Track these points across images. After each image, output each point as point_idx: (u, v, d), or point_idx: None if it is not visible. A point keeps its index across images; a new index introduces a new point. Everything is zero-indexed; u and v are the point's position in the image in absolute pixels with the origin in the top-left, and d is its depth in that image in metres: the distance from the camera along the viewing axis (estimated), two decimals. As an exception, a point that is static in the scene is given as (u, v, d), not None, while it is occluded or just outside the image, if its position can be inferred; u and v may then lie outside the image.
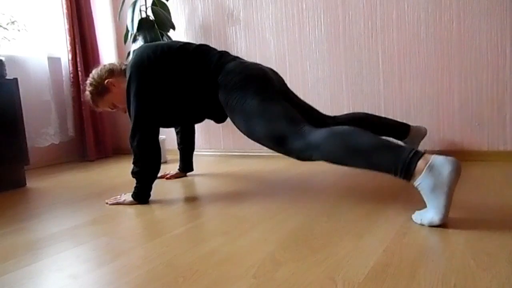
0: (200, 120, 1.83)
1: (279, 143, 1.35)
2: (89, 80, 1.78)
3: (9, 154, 2.15)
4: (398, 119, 2.16)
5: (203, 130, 2.88)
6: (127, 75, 1.63)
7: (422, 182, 1.09)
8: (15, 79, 2.18)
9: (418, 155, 1.11)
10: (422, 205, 1.31)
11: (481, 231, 1.05)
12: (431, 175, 1.07)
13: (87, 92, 1.78)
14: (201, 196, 1.71)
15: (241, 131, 1.50)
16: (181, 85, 1.60)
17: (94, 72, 1.78)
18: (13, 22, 2.65)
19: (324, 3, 2.31)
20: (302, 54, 2.42)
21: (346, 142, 1.20)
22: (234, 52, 2.65)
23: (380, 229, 1.13)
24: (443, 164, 1.07)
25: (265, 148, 1.47)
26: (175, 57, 1.60)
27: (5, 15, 2.64)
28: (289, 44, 2.46)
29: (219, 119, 1.76)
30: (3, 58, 2.17)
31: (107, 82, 1.73)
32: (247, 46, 2.62)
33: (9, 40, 2.66)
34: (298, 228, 1.19)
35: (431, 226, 1.11)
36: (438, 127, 2.09)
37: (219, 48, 2.62)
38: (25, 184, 2.27)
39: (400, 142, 1.84)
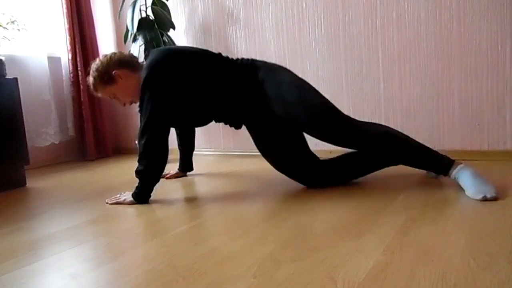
0: (209, 121, 1.78)
1: (333, 114, 1.54)
2: (95, 65, 1.71)
3: (9, 154, 2.15)
4: (398, 119, 2.16)
5: (203, 130, 2.88)
6: (143, 75, 1.58)
7: (460, 173, 1.42)
8: (15, 79, 2.17)
9: (452, 162, 1.46)
10: (421, 205, 1.32)
11: (481, 231, 1.05)
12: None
13: (90, 77, 1.71)
14: (201, 196, 1.71)
15: (291, 100, 1.55)
16: (205, 89, 1.62)
17: (103, 59, 1.70)
18: (13, 22, 2.64)
19: (324, 3, 2.31)
20: (302, 54, 2.42)
21: (397, 145, 1.49)
22: (234, 52, 2.65)
23: (380, 228, 1.13)
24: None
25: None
26: (198, 61, 1.63)
27: (5, 14, 2.63)
28: (289, 44, 2.46)
29: (237, 124, 1.73)
30: (3, 58, 2.16)
31: (114, 73, 1.68)
32: (247, 46, 2.61)
33: (9, 40, 2.65)
34: (298, 227, 1.19)
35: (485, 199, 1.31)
36: (438, 127, 2.09)
37: (218, 48, 2.63)
38: (25, 183, 2.27)
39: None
